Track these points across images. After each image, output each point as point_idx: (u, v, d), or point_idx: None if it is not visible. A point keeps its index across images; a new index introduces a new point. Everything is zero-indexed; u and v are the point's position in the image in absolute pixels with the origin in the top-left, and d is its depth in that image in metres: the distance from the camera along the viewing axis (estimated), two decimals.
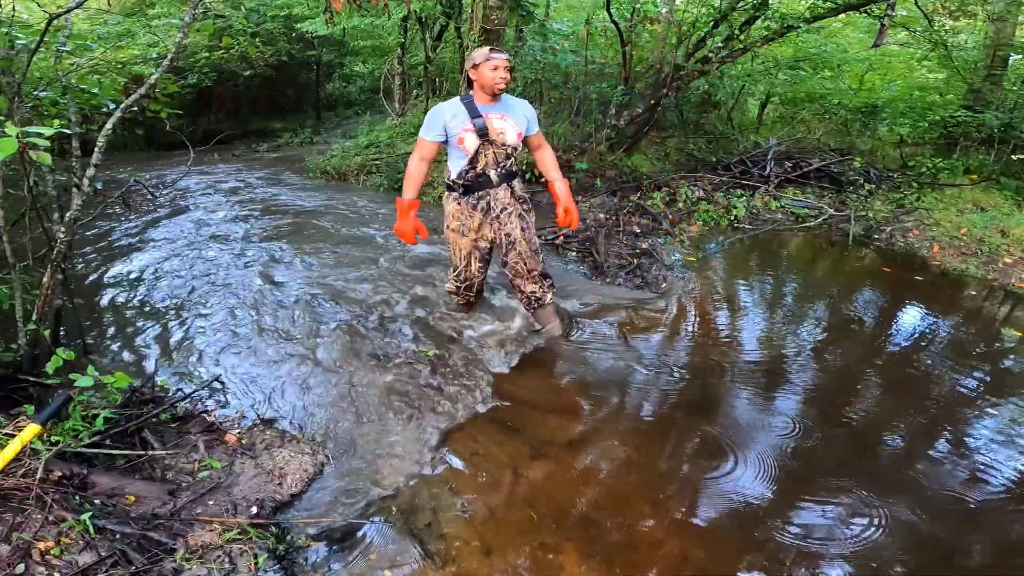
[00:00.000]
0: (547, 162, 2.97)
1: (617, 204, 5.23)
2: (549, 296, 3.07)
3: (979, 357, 3.17)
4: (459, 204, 2.90)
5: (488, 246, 3.00)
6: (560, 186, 2.93)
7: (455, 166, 2.86)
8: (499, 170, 2.85)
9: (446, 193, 2.95)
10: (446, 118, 2.75)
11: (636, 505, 2.06)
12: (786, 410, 2.64)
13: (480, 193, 2.87)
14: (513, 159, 2.89)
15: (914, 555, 1.91)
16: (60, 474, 1.83)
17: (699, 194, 5.48)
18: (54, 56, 2.69)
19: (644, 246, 4.40)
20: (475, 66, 2.69)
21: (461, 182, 2.86)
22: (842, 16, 6.68)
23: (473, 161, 2.81)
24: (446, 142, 2.81)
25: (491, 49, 2.67)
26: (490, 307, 3.36)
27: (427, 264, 3.98)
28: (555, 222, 3.03)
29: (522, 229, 2.93)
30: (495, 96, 2.73)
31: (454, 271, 3.10)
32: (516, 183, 2.95)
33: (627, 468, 2.25)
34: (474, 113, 2.73)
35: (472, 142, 2.75)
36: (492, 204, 2.88)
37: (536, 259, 2.98)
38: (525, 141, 2.90)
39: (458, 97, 2.81)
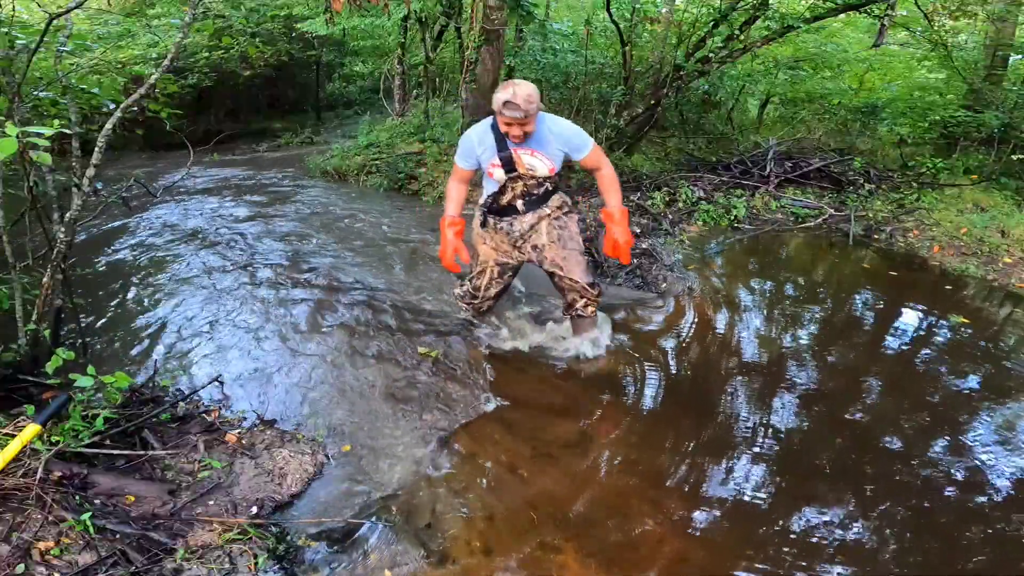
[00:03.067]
0: (603, 185, 2.70)
1: None
2: (591, 309, 2.90)
3: (978, 356, 3.17)
4: (483, 226, 2.86)
5: (509, 264, 2.90)
6: (613, 214, 2.67)
7: (486, 190, 2.81)
8: (527, 200, 2.75)
9: (479, 205, 2.89)
10: (477, 150, 2.64)
11: (636, 505, 2.06)
12: (786, 410, 2.64)
13: (507, 218, 2.81)
14: (547, 186, 2.76)
15: (914, 555, 1.91)
16: (60, 474, 1.83)
17: (699, 194, 5.48)
18: (54, 56, 2.69)
19: (644, 246, 4.40)
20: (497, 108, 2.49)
21: (487, 206, 2.80)
22: (842, 16, 6.68)
23: (502, 191, 2.73)
24: (480, 168, 2.72)
25: (505, 104, 2.41)
26: (494, 311, 3.35)
27: (432, 267, 3.99)
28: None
29: (557, 238, 2.81)
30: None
31: (471, 273, 3.02)
32: (553, 199, 2.81)
33: (627, 468, 2.25)
34: (502, 147, 2.59)
35: (500, 176, 2.66)
36: (517, 227, 2.81)
37: (573, 265, 2.81)
38: (574, 166, 2.72)
39: (489, 121, 2.61)
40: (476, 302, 3.04)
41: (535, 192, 2.75)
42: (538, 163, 2.65)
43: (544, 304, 3.46)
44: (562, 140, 2.62)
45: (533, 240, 2.83)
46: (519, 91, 2.42)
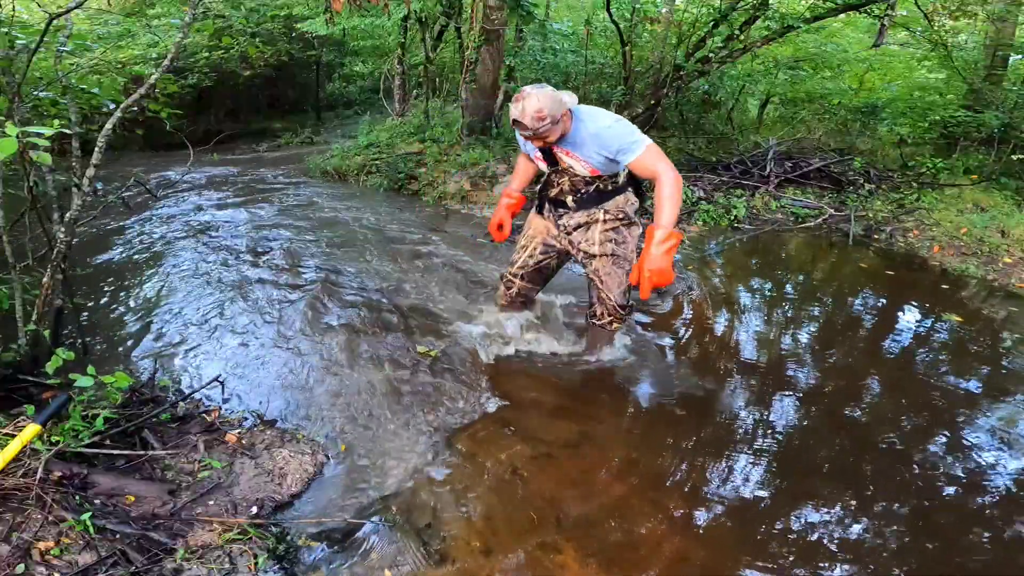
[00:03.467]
0: (656, 197, 2.32)
1: None
2: (614, 326, 2.82)
3: (978, 356, 3.17)
4: (539, 211, 2.78)
5: (555, 248, 2.81)
6: (655, 232, 2.27)
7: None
8: (577, 197, 2.58)
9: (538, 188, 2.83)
10: (520, 139, 2.55)
11: (636, 505, 2.06)
12: (786, 409, 2.64)
13: (559, 210, 2.70)
14: (599, 185, 2.55)
15: (914, 555, 1.91)
16: (60, 474, 1.83)
17: (699, 194, 5.48)
18: (54, 56, 2.69)
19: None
20: None
21: (539, 192, 2.71)
22: (842, 16, 6.68)
23: (548, 184, 2.60)
24: None
25: (514, 122, 2.28)
26: (496, 311, 3.35)
27: (433, 267, 3.98)
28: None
29: (611, 252, 2.65)
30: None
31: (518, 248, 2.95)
32: (615, 201, 2.58)
33: (627, 468, 2.25)
34: None
35: (543, 167, 2.58)
36: (564, 221, 2.70)
37: (614, 284, 2.68)
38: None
39: None
40: (510, 272, 2.96)
41: (582, 190, 2.55)
42: (576, 164, 2.46)
43: (564, 306, 3.44)
44: (599, 143, 2.33)
45: (585, 246, 2.69)
46: (528, 107, 2.18)
